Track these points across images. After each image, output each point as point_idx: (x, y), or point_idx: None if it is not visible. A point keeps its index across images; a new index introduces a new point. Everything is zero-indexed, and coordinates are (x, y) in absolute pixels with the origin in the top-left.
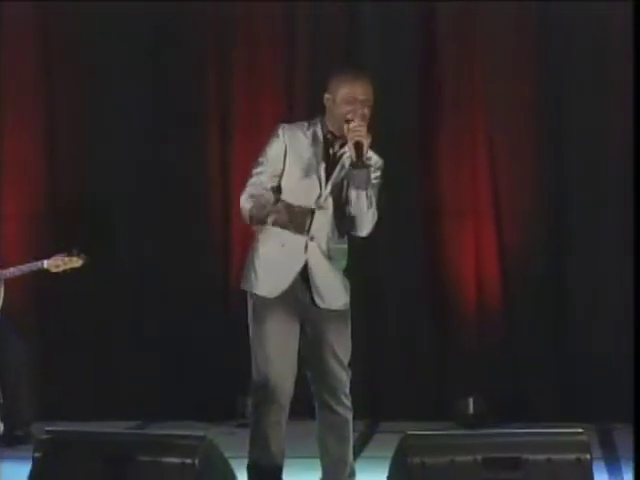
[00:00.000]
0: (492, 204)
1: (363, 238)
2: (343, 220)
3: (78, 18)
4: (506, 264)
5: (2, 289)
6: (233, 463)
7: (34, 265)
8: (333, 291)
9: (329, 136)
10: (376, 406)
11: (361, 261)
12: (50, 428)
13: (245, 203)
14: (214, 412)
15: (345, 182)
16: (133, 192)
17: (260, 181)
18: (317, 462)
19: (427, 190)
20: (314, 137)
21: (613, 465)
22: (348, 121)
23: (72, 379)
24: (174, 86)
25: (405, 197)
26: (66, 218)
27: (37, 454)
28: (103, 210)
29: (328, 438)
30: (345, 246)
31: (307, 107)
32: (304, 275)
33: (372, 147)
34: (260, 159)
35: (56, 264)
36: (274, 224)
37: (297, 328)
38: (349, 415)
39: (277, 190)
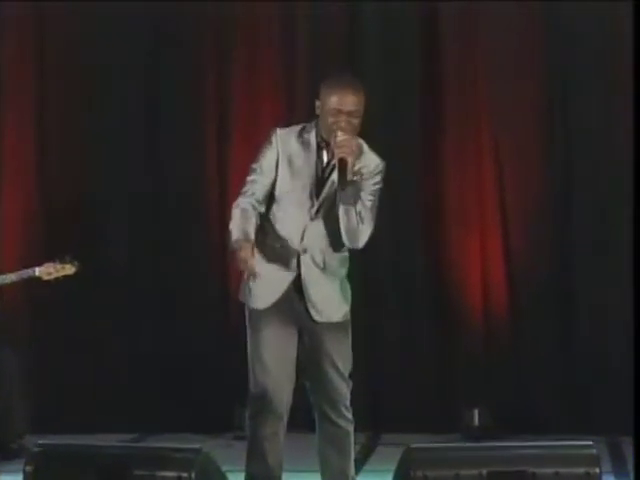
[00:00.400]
0: (498, 208)
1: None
2: (337, 232)
3: (75, 17)
4: (512, 269)
5: None
6: (230, 476)
7: (25, 273)
8: (331, 303)
9: (322, 144)
10: (378, 417)
11: (363, 267)
12: (42, 441)
13: (233, 220)
14: (211, 424)
15: (337, 194)
16: (128, 195)
17: (252, 192)
18: (317, 476)
19: (431, 194)
20: (307, 144)
21: (623, 479)
22: (335, 134)
23: (65, 391)
24: (172, 86)
25: (409, 201)
26: (59, 222)
27: (28, 468)
28: (97, 213)
29: (329, 451)
30: (345, 254)
31: (307, 108)
32: (298, 287)
33: (374, 150)
34: (254, 166)
35: (48, 272)
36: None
37: (294, 337)
38: (350, 427)
39: (271, 199)
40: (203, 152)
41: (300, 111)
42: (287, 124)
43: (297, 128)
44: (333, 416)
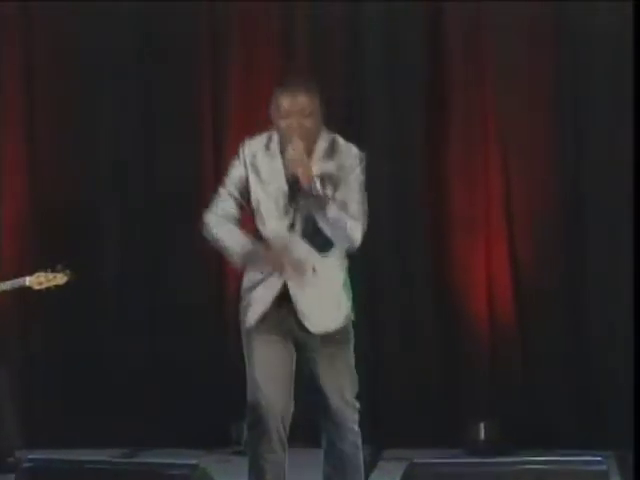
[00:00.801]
0: (504, 213)
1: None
2: (316, 238)
3: (65, 15)
4: (519, 278)
5: None
6: None
7: (16, 282)
8: (325, 312)
9: (284, 152)
10: (379, 432)
11: (365, 276)
12: (32, 456)
13: (220, 238)
14: (208, 438)
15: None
16: (121, 200)
17: (218, 207)
18: None
19: (435, 199)
20: (273, 155)
21: None
22: (288, 143)
23: (57, 404)
24: (166, 87)
25: (412, 206)
26: (50, 229)
27: None
28: (90, 220)
29: (332, 474)
30: (340, 259)
31: None
32: (288, 299)
33: (375, 151)
34: (226, 179)
35: (39, 281)
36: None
37: (288, 352)
38: (353, 451)
39: (252, 212)
40: (199, 154)
41: None
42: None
43: (264, 138)
44: (336, 439)
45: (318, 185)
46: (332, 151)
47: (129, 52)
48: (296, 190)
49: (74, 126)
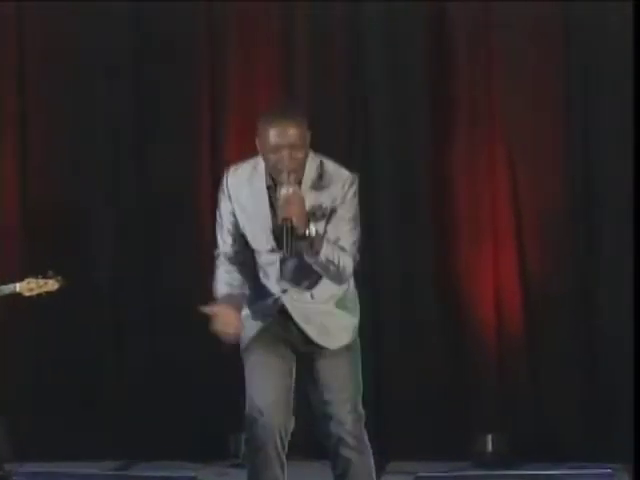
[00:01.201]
0: (512, 217)
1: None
2: (307, 272)
3: (58, 14)
4: (528, 284)
5: None
6: None
7: (6, 288)
8: (328, 333)
9: (272, 185)
10: (384, 444)
11: (368, 285)
12: (23, 469)
13: (216, 283)
14: (205, 451)
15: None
16: (115, 203)
17: (221, 250)
18: None
19: (440, 202)
20: (257, 189)
21: None
22: (278, 178)
23: (48, 415)
24: (162, 87)
25: (417, 210)
26: (41, 234)
27: None
28: (81, 223)
29: None
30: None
31: (307, 108)
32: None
33: (381, 154)
34: (217, 219)
35: (30, 287)
36: None
37: (287, 366)
38: (357, 457)
39: (247, 248)
40: (196, 154)
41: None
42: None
43: (247, 169)
44: (339, 447)
45: (313, 231)
46: (321, 179)
47: (124, 52)
48: (286, 231)
49: (67, 127)
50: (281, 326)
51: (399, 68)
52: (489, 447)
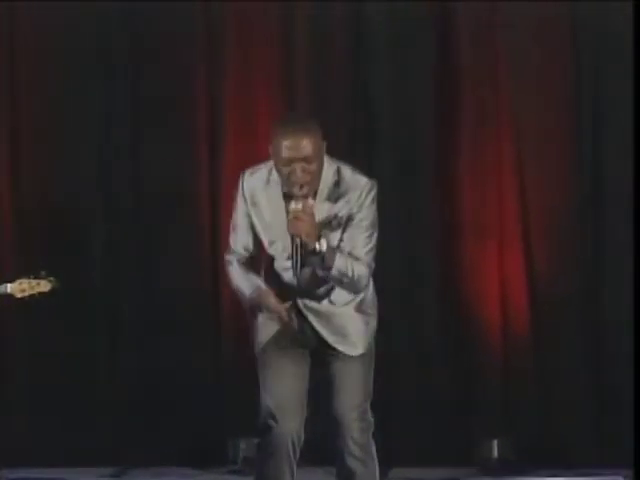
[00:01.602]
0: (518, 218)
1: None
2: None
3: (53, 10)
4: (534, 286)
5: None
6: None
7: None
8: (346, 337)
9: (287, 190)
10: (385, 449)
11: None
12: (14, 475)
13: (233, 278)
14: (202, 456)
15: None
16: (110, 202)
17: (234, 248)
18: None
19: (446, 203)
20: (275, 195)
21: None
22: (291, 190)
23: (40, 419)
24: (158, 85)
25: (422, 211)
26: (33, 233)
27: None
28: (76, 223)
29: None
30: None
31: (307, 108)
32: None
33: (384, 154)
34: (232, 222)
35: (21, 288)
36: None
37: (303, 372)
38: (362, 469)
39: (262, 252)
40: (194, 154)
41: (300, 107)
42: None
43: (264, 173)
44: (345, 453)
45: (324, 246)
46: (338, 187)
47: (120, 52)
48: (294, 248)
49: (61, 126)
50: (297, 328)
51: (402, 68)
52: (494, 452)
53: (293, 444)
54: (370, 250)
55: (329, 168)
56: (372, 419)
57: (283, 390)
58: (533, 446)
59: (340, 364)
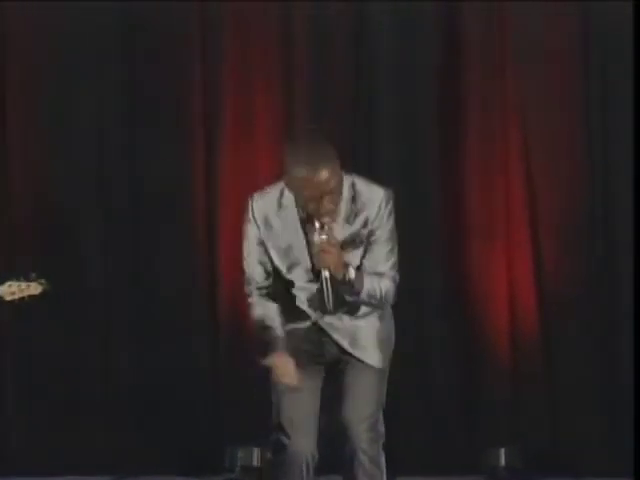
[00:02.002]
0: (527, 218)
1: None
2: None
3: (43, 8)
4: (544, 289)
5: None
6: None
7: None
8: (366, 345)
9: (305, 219)
10: (390, 458)
11: None
12: None
13: (257, 311)
14: (199, 465)
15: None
16: (104, 202)
17: (252, 278)
18: None
19: (451, 202)
20: (290, 220)
21: None
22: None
23: (36, 428)
24: (153, 88)
25: (428, 215)
26: (24, 233)
27: None
28: (68, 223)
29: None
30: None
31: (307, 107)
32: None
33: (387, 154)
34: (245, 251)
35: (11, 291)
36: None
37: (316, 384)
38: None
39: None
40: (190, 154)
41: (299, 108)
42: (284, 129)
43: (274, 197)
44: (354, 462)
45: (352, 274)
46: (355, 203)
47: (116, 51)
48: (325, 283)
49: (54, 125)
50: (314, 342)
51: (403, 68)
52: (502, 461)
53: (307, 463)
54: (393, 265)
55: (344, 184)
56: (383, 429)
57: (298, 409)
58: (541, 454)
59: (355, 372)
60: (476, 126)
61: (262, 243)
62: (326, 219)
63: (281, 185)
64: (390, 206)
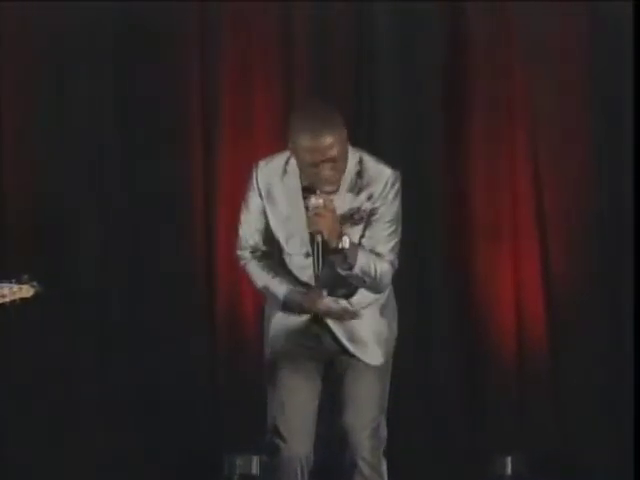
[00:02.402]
0: (534, 218)
1: None
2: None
3: (38, 6)
4: (552, 291)
5: None
6: None
7: None
8: (367, 343)
9: (307, 184)
10: (391, 466)
11: None
12: None
13: (256, 277)
14: (197, 473)
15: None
16: (100, 202)
17: (246, 241)
18: None
19: (455, 202)
20: (292, 187)
21: None
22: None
23: (27, 435)
24: (151, 87)
25: (432, 215)
26: (16, 234)
27: None
28: (62, 223)
29: None
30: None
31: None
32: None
33: (391, 153)
34: (243, 218)
35: (2, 294)
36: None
37: (314, 386)
38: None
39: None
40: (187, 154)
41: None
42: (283, 129)
43: (280, 164)
44: (354, 469)
45: (347, 243)
46: (361, 178)
47: (113, 50)
48: (316, 245)
49: (49, 124)
50: (312, 335)
51: (406, 68)
52: (508, 470)
53: (302, 468)
54: (393, 247)
55: (351, 158)
56: (385, 433)
57: (295, 410)
58: (548, 462)
59: (356, 375)
60: (483, 127)
61: (263, 213)
62: (327, 188)
63: (287, 153)
64: (397, 187)
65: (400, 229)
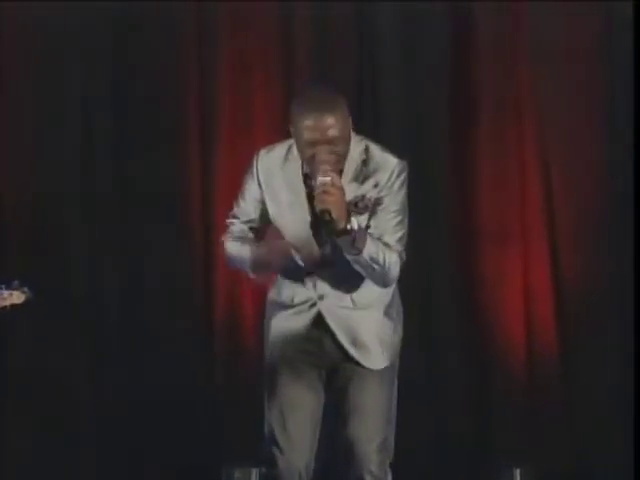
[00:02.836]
0: (544, 221)
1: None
2: (348, 273)
3: (31, 8)
4: (562, 297)
5: None
6: None
7: None
8: (370, 347)
9: (308, 171)
10: (396, 476)
11: None
12: None
13: (231, 250)
14: None
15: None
16: (94, 204)
17: (238, 217)
18: None
19: (463, 204)
20: (293, 175)
21: None
22: (315, 172)
23: (27, 435)
24: (149, 88)
25: (438, 218)
26: (6, 238)
27: None
28: (55, 227)
29: None
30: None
31: None
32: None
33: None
34: (238, 205)
35: None
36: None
37: (315, 395)
38: None
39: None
40: (185, 154)
41: None
42: (283, 130)
43: (281, 152)
44: None
45: (355, 225)
46: (366, 167)
47: (109, 49)
48: (324, 224)
49: (44, 122)
50: (313, 340)
51: (409, 68)
52: None
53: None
54: (401, 238)
55: (356, 146)
56: (392, 445)
57: (294, 420)
58: (559, 476)
59: (361, 384)
60: (491, 127)
61: (262, 202)
62: (329, 168)
63: (290, 141)
64: (403, 177)
65: (407, 221)
